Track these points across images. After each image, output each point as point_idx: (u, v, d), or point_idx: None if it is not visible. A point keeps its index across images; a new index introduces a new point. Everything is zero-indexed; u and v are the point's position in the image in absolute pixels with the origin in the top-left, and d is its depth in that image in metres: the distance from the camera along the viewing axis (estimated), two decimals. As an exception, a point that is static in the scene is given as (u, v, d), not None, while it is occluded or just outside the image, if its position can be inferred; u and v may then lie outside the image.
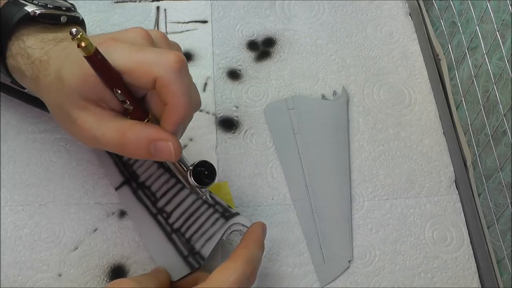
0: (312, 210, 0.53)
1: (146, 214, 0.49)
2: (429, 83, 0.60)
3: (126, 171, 0.51)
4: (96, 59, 0.38)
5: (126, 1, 0.63)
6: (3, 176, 0.52)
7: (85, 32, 0.51)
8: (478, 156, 0.53)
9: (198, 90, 0.57)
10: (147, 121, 0.42)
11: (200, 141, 0.55)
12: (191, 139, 0.56)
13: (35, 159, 0.53)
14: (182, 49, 0.60)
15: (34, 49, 0.45)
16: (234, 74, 0.60)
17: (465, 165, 0.56)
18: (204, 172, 0.45)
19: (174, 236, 0.48)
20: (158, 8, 0.64)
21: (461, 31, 0.55)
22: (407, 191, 0.54)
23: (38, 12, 0.46)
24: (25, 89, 0.49)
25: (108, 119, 0.42)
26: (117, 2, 0.63)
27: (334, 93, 0.59)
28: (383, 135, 0.57)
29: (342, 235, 0.52)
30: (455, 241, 0.52)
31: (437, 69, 0.61)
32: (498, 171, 0.49)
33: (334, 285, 0.50)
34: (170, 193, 0.50)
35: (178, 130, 0.42)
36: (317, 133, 0.56)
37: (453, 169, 0.56)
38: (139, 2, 0.64)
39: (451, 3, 0.57)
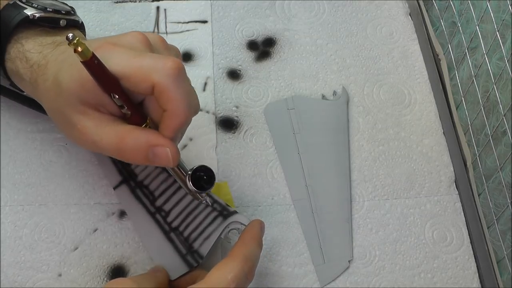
0: (312, 210, 0.53)
1: (144, 213, 0.49)
2: (429, 83, 0.60)
3: (124, 170, 0.51)
4: (93, 64, 0.38)
5: (126, 1, 0.63)
6: (3, 176, 0.52)
7: (84, 35, 0.51)
8: (478, 156, 0.53)
9: (198, 90, 0.58)
10: (145, 126, 0.42)
11: (200, 141, 0.56)
12: (191, 139, 0.56)
13: (35, 159, 0.53)
14: (182, 49, 0.61)
15: (32, 53, 0.45)
16: (234, 74, 0.60)
17: (465, 165, 0.56)
18: (203, 177, 0.45)
19: (172, 234, 0.48)
20: (158, 8, 0.64)
21: (461, 31, 0.55)
22: (407, 191, 0.54)
23: (37, 15, 0.46)
24: (23, 92, 0.49)
25: (107, 123, 0.41)
26: (117, 2, 0.63)
27: (334, 93, 0.59)
28: (383, 135, 0.57)
29: (342, 235, 0.52)
30: (455, 241, 0.52)
31: (437, 69, 0.61)
32: (498, 171, 0.49)
33: (334, 285, 0.50)
34: (168, 191, 0.50)
35: (176, 136, 0.42)
36: (317, 133, 0.56)
37: (453, 169, 0.56)
38: (139, 2, 0.64)
39: (451, 3, 0.57)
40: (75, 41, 0.37)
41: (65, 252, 0.50)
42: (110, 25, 0.62)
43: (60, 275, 0.49)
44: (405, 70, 0.61)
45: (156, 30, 0.62)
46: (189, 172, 0.44)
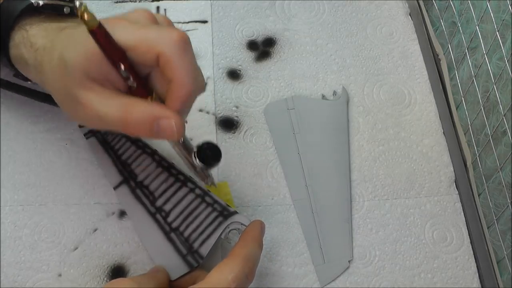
0: (312, 210, 0.53)
1: (144, 213, 0.49)
2: (429, 83, 0.60)
3: (125, 170, 0.52)
4: (99, 33, 0.38)
5: (126, 1, 0.63)
6: (3, 176, 0.52)
7: None
8: (478, 156, 0.53)
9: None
10: (150, 99, 0.42)
11: (200, 141, 0.55)
12: (191, 139, 0.55)
13: (35, 159, 0.53)
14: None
15: (37, 38, 0.45)
16: (234, 74, 0.60)
17: (465, 165, 0.56)
18: (209, 153, 0.44)
19: (172, 235, 0.48)
20: (158, 8, 0.64)
21: (461, 31, 0.55)
22: (407, 191, 0.54)
23: (41, 3, 0.46)
24: (28, 81, 0.49)
25: (112, 97, 0.41)
26: (117, 2, 0.63)
27: (334, 93, 0.59)
28: (383, 135, 0.57)
29: (342, 235, 0.52)
30: (455, 241, 0.52)
31: (437, 69, 0.61)
32: (498, 171, 0.49)
33: (334, 285, 0.50)
34: (168, 192, 0.50)
35: (183, 107, 0.42)
36: (317, 133, 0.56)
37: (453, 169, 0.56)
38: (139, 2, 0.64)
39: (451, 3, 0.57)
40: (82, 8, 0.37)
41: (65, 252, 0.50)
42: (110, 25, 0.62)
43: (60, 275, 0.49)
44: (405, 70, 0.61)
45: (156, 30, 0.62)
46: (195, 149, 0.44)
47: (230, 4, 0.64)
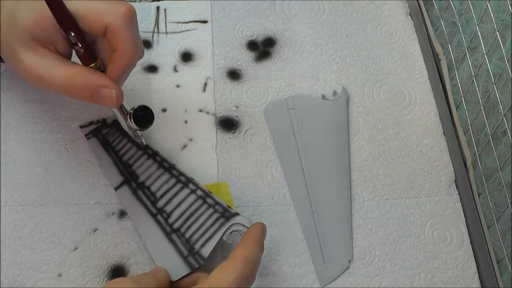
0: (312, 210, 0.53)
1: (145, 214, 0.49)
2: (429, 83, 0.60)
3: (126, 171, 0.52)
4: (54, 2, 0.41)
5: (126, 1, 0.63)
6: (3, 176, 0.52)
7: None
8: (478, 156, 0.53)
9: (198, 90, 0.58)
10: (95, 65, 0.45)
11: (200, 141, 0.56)
12: (191, 139, 0.56)
13: (35, 159, 0.53)
14: (182, 49, 0.61)
15: None
16: (234, 74, 0.60)
17: (465, 165, 0.56)
18: (143, 116, 0.47)
19: (174, 236, 0.48)
20: (158, 8, 0.64)
21: (461, 31, 0.55)
22: (407, 191, 0.54)
23: None
24: None
25: (56, 61, 0.44)
26: (117, 2, 0.63)
27: (334, 93, 0.59)
28: (383, 135, 0.57)
29: (342, 235, 0.52)
30: (455, 241, 0.52)
31: (437, 69, 0.61)
32: (498, 171, 0.49)
33: (334, 285, 0.50)
34: (170, 193, 0.50)
35: (122, 76, 0.46)
36: (317, 133, 0.56)
37: (453, 169, 0.56)
38: (139, 2, 0.64)
39: (451, 3, 0.57)
40: None
41: (65, 252, 0.50)
42: (110, 25, 0.62)
43: (60, 275, 0.49)
44: (405, 70, 0.61)
45: (156, 30, 0.62)
46: (131, 111, 0.47)
47: (230, 4, 0.64)
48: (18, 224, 0.50)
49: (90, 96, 0.44)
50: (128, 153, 0.52)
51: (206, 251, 0.47)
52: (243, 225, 0.47)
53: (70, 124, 0.55)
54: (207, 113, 0.57)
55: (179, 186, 0.50)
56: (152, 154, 0.52)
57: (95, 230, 0.51)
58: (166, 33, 0.62)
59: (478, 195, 0.54)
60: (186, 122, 0.56)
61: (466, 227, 0.53)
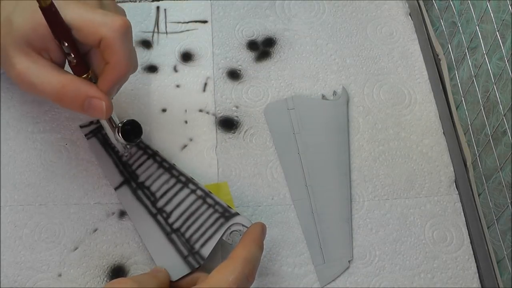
0: (312, 210, 0.53)
1: (145, 214, 0.49)
2: (429, 83, 0.60)
3: (126, 171, 0.52)
4: (50, 11, 0.41)
5: (126, 1, 0.63)
6: (3, 176, 0.52)
7: None
8: (478, 156, 0.53)
9: (198, 90, 0.58)
10: (87, 76, 0.45)
11: (200, 141, 0.56)
12: (191, 139, 0.56)
13: (35, 159, 0.53)
14: (182, 49, 0.61)
15: None
16: (234, 74, 0.60)
17: (465, 165, 0.56)
18: (131, 130, 0.48)
19: (173, 236, 0.48)
20: (158, 8, 0.64)
21: (461, 31, 0.55)
22: (407, 191, 0.54)
23: None
24: None
25: (49, 69, 0.44)
26: (117, 2, 0.63)
27: (334, 93, 0.59)
28: (383, 135, 0.57)
29: (342, 235, 0.52)
30: (455, 241, 0.52)
31: (437, 69, 0.61)
32: (498, 171, 0.49)
33: (334, 285, 0.50)
34: (169, 193, 0.50)
35: (114, 88, 0.45)
36: (317, 133, 0.56)
37: (453, 169, 0.56)
38: (139, 2, 0.64)
39: (451, 3, 0.57)
40: None
41: (65, 252, 0.50)
42: (110, 25, 0.62)
43: (60, 275, 0.49)
44: (405, 70, 0.61)
45: (156, 30, 0.62)
46: (119, 125, 0.47)
47: (230, 4, 0.64)
48: (18, 224, 0.50)
49: (81, 106, 0.44)
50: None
51: (206, 251, 0.47)
52: (243, 225, 0.47)
53: (70, 124, 0.55)
54: (207, 113, 0.57)
55: (179, 186, 0.50)
56: (152, 154, 0.52)
57: (95, 230, 0.51)
58: (166, 33, 0.62)
59: (478, 195, 0.54)
60: (186, 122, 0.56)
61: (466, 227, 0.53)
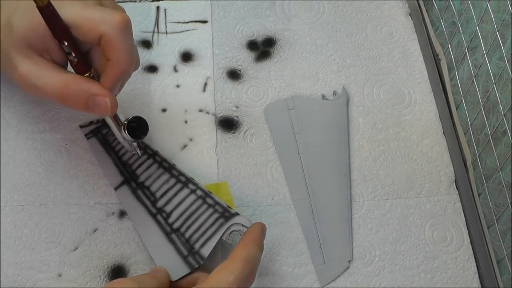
0: (312, 210, 0.53)
1: (145, 214, 0.49)
2: (429, 83, 0.60)
3: (126, 171, 0.52)
4: (47, 11, 0.41)
5: (126, 1, 0.63)
6: (3, 176, 0.52)
7: None
8: (478, 156, 0.53)
9: (198, 90, 0.57)
10: (89, 74, 0.45)
11: (200, 141, 0.56)
12: (191, 139, 0.56)
13: (35, 159, 0.53)
14: (182, 49, 0.61)
15: None
16: (234, 74, 0.60)
17: (465, 165, 0.56)
18: (137, 127, 0.48)
19: (173, 236, 0.48)
20: (158, 8, 0.64)
21: (461, 31, 0.55)
22: (407, 191, 0.54)
23: None
24: None
25: (51, 70, 0.44)
26: (117, 2, 0.63)
27: (334, 93, 0.59)
28: (383, 135, 0.57)
29: (342, 235, 0.52)
30: (455, 241, 0.52)
31: (437, 69, 0.61)
32: (498, 171, 0.49)
33: (334, 285, 0.50)
34: (169, 193, 0.50)
35: (116, 85, 0.45)
36: (317, 133, 0.56)
37: (453, 169, 0.56)
38: (139, 2, 0.64)
39: (451, 3, 0.57)
40: None
41: (65, 252, 0.50)
42: (110, 25, 0.62)
43: (60, 275, 0.49)
44: (405, 70, 0.61)
45: (156, 30, 0.62)
46: (125, 122, 0.47)
47: (230, 4, 0.64)
48: (18, 224, 0.50)
49: (84, 104, 0.44)
50: (128, 153, 0.52)
51: (206, 251, 0.47)
52: (242, 225, 0.47)
53: (70, 124, 0.55)
54: (207, 113, 0.57)
55: (179, 186, 0.50)
56: (152, 154, 0.52)
57: (95, 230, 0.51)
58: (166, 33, 0.62)
59: (478, 195, 0.54)
60: (186, 122, 0.57)
61: (466, 227, 0.53)
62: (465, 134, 0.56)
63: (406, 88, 0.60)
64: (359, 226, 0.52)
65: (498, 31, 0.47)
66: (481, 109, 0.52)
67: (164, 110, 0.57)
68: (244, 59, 0.61)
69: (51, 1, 0.40)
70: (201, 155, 0.55)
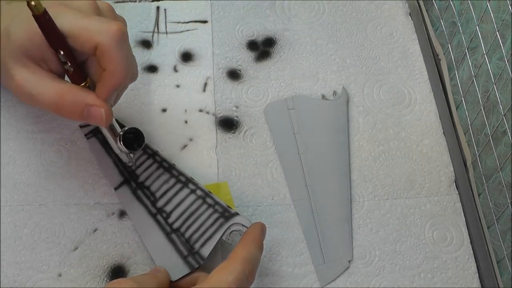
0: (312, 210, 0.53)
1: (145, 214, 0.49)
2: (429, 83, 0.60)
3: (126, 171, 0.52)
4: (44, 20, 0.41)
5: (126, 1, 0.63)
6: (3, 176, 0.52)
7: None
8: (478, 156, 0.53)
9: (198, 90, 0.57)
10: (85, 84, 0.45)
11: (200, 141, 0.56)
12: (191, 139, 0.56)
13: (35, 159, 0.53)
14: (182, 49, 0.61)
15: None
16: (234, 74, 0.60)
17: (465, 165, 0.56)
18: (134, 138, 0.48)
19: (173, 236, 0.48)
20: (158, 8, 0.64)
21: (461, 31, 0.55)
22: (407, 191, 0.54)
23: None
24: None
25: (47, 79, 0.44)
26: (117, 2, 0.63)
27: (334, 93, 0.59)
28: (383, 135, 0.57)
29: (342, 235, 0.52)
30: (455, 241, 0.52)
31: (437, 69, 0.61)
32: (498, 171, 0.49)
33: (334, 285, 0.50)
34: (169, 193, 0.50)
35: (112, 96, 0.45)
36: (317, 133, 0.56)
37: (453, 169, 0.56)
38: (139, 2, 0.64)
39: (451, 3, 0.57)
40: None
41: (65, 252, 0.50)
42: (110, 25, 0.62)
43: (60, 275, 0.49)
44: (405, 70, 0.61)
45: (156, 30, 0.62)
46: (120, 133, 0.47)
47: (230, 4, 0.64)
48: (18, 224, 0.50)
49: (80, 114, 0.44)
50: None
51: (205, 251, 0.47)
52: (242, 225, 0.47)
53: (70, 124, 0.55)
54: (207, 113, 0.57)
55: (178, 186, 0.50)
56: (152, 154, 0.52)
57: (95, 230, 0.51)
58: (166, 33, 0.62)
59: (478, 195, 0.54)
60: (186, 122, 0.57)
61: (466, 227, 0.53)
62: (465, 134, 0.56)
63: (406, 88, 0.60)
64: (359, 226, 0.52)
65: (498, 31, 0.47)
66: (481, 109, 0.52)
67: (164, 110, 0.57)
68: (244, 59, 0.61)
69: (48, 10, 0.40)
70: (201, 155, 0.55)
